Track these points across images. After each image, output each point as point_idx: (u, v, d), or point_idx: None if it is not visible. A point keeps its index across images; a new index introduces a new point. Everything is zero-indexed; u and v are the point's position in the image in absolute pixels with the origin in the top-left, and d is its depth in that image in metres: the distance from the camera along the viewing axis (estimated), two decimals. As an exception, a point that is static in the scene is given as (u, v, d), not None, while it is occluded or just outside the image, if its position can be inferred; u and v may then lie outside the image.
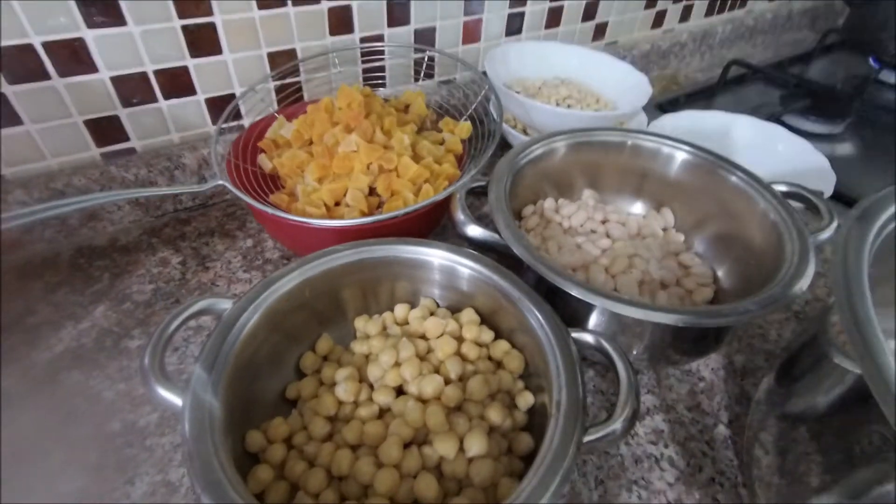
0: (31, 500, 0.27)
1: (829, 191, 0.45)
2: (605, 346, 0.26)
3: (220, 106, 0.45)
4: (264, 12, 0.42)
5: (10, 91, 0.36)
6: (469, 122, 0.40)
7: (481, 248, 0.33)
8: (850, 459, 0.21)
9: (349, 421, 0.28)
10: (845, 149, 0.61)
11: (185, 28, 0.39)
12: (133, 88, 0.40)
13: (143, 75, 0.40)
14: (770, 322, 0.41)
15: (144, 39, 0.39)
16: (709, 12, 0.79)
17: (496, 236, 0.33)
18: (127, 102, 0.41)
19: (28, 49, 0.35)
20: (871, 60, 0.76)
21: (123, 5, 0.36)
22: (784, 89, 0.69)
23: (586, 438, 0.23)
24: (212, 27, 0.41)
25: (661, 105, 0.67)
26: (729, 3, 0.81)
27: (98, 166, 0.42)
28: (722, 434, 0.33)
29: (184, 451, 0.22)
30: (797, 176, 0.49)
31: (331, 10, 0.45)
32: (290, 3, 0.43)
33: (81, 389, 0.33)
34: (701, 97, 0.71)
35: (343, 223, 0.31)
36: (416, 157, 0.36)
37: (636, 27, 0.71)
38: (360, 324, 0.33)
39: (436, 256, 0.31)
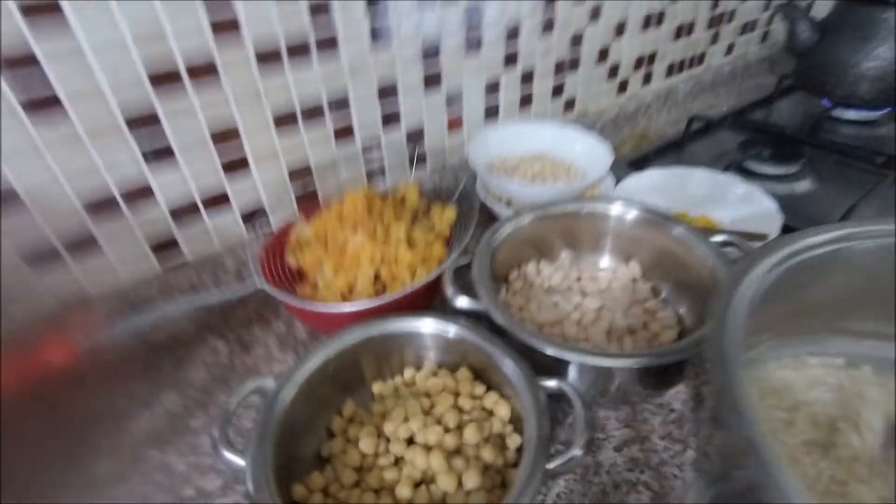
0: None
1: (775, 232, 0.52)
2: (564, 389, 0.33)
3: (251, 217, 0.55)
4: (284, 142, 0.53)
5: (97, 232, 0.46)
6: (454, 208, 0.49)
7: (472, 316, 0.41)
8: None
9: (371, 469, 0.35)
10: (803, 186, 0.67)
11: (224, 164, 0.50)
12: (185, 214, 0.51)
13: (194, 204, 0.50)
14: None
15: (195, 177, 0.49)
16: (668, 74, 0.89)
17: (480, 305, 0.40)
18: (182, 226, 0.51)
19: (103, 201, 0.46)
20: (823, 101, 0.83)
21: (179, 155, 0.47)
22: (742, 136, 0.76)
23: (552, 465, 0.29)
24: (245, 161, 0.51)
25: (632, 162, 0.75)
26: (686, 62, 0.91)
27: (159, 278, 0.52)
28: (691, 457, 0.38)
29: (249, 499, 0.29)
30: (749, 219, 0.56)
31: (336, 130, 0.56)
32: (303, 131, 0.53)
33: (159, 465, 0.41)
34: (669, 151, 0.79)
35: (356, 307, 0.40)
36: (411, 245, 0.45)
37: (602, 96, 0.81)
38: (377, 388, 0.41)
39: (427, 327, 0.39)
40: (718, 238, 0.44)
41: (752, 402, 0.22)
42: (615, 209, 0.48)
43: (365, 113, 0.57)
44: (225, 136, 0.49)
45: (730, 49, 0.98)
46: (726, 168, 0.70)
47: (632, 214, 0.48)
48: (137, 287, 0.51)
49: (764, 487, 0.19)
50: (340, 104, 0.55)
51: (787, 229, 0.52)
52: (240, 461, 0.31)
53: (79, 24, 0.39)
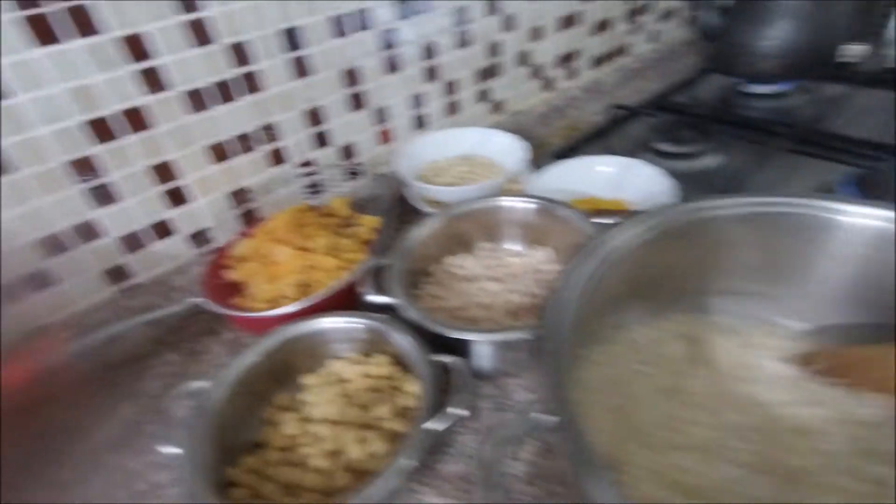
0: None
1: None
2: (445, 362, 0.38)
3: (199, 237, 0.60)
4: (217, 166, 0.58)
5: (52, 262, 0.51)
6: (374, 218, 0.55)
7: (389, 310, 0.46)
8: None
9: (293, 448, 0.40)
10: (712, 162, 0.73)
11: (163, 192, 0.55)
12: (133, 241, 0.56)
13: (137, 233, 0.56)
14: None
15: (139, 207, 0.54)
16: (593, 66, 0.94)
17: (392, 300, 0.45)
18: (130, 251, 0.56)
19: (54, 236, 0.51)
20: (737, 79, 0.89)
21: (118, 189, 0.52)
22: (656, 119, 0.82)
23: (437, 425, 0.35)
24: (182, 188, 0.57)
25: (559, 153, 0.80)
26: (610, 55, 0.96)
27: (113, 301, 0.57)
28: (584, 413, 0.44)
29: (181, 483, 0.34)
30: (652, 198, 0.62)
31: (269, 153, 0.61)
32: (235, 156, 0.59)
33: (116, 466, 0.46)
34: (596, 139, 0.84)
35: (278, 312, 0.45)
36: (335, 253, 0.50)
37: (529, 95, 0.86)
38: (306, 379, 0.46)
39: (343, 322, 0.44)
40: (603, 220, 0.50)
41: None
42: (508, 202, 0.54)
43: (295, 135, 0.62)
44: (161, 169, 0.54)
45: (653, 36, 1.04)
46: (638, 152, 0.76)
47: (526, 205, 0.53)
48: (93, 311, 0.56)
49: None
50: (269, 130, 0.60)
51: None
52: (177, 451, 0.36)
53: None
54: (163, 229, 0.58)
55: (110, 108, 0.49)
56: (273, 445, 0.41)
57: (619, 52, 0.98)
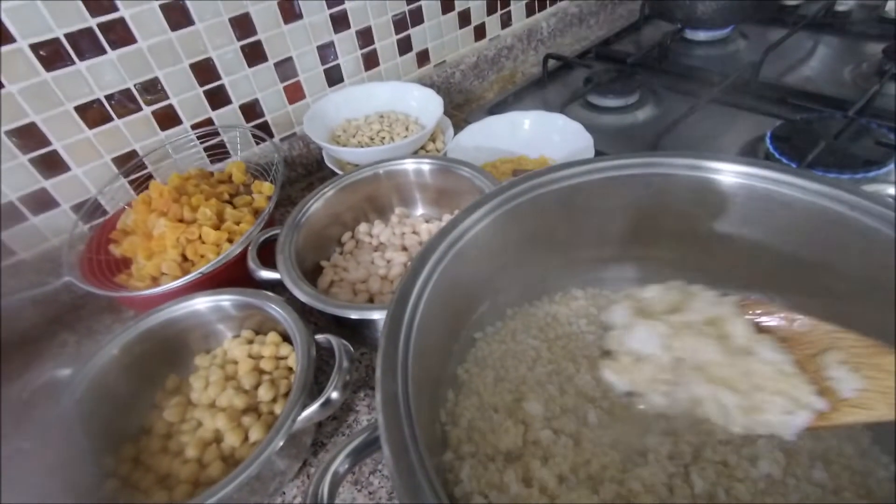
0: None
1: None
2: (330, 342, 0.37)
3: (87, 208, 0.55)
4: (95, 129, 0.52)
5: None
6: (271, 184, 0.51)
7: (279, 287, 0.43)
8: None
9: (174, 436, 0.38)
10: (642, 114, 0.71)
11: (31, 160, 0.50)
12: (10, 213, 0.51)
13: (10, 204, 0.50)
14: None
15: (8, 175, 0.49)
16: (530, 13, 0.88)
17: (278, 275, 0.43)
18: (6, 226, 0.51)
19: None
20: (677, 25, 0.85)
21: (-25, 157, 0.47)
22: (590, 70, 0.78)
23: (308, 410, 0.33)
24: (55, 153, 0.51)
25: (492, 108, 0.76)
26: (548, 1, 0.90)
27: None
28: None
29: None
30: (574, 154, 0.59)
31: (154, 113, 0.55)
32: (115, 117, 0.53)
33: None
34: (531, 91, 0.81)
35: (154, 291, 0.42)
36: (220, 224, 0.47)
37: (459, 44, 0.81)
38: (198, 360, 0.44)
39: (226, 300, 0.42)
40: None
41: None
42: (412, 164, 0.51)
43: (185, 93, 0.57)
44: (25, 133, 0.49)
45: (594, -21, 0.98)
46: (572, 105, 0.73)
47: (426, 166, 0.50)
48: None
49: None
50: (152, 87, 0.54)
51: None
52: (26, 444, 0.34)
53: None
54: (41, 201, 0.52)
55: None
56: (156, 432, 0.39)
57: (558, -5, 0.92)
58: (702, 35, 0.84)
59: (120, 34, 0.50)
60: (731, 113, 0.67)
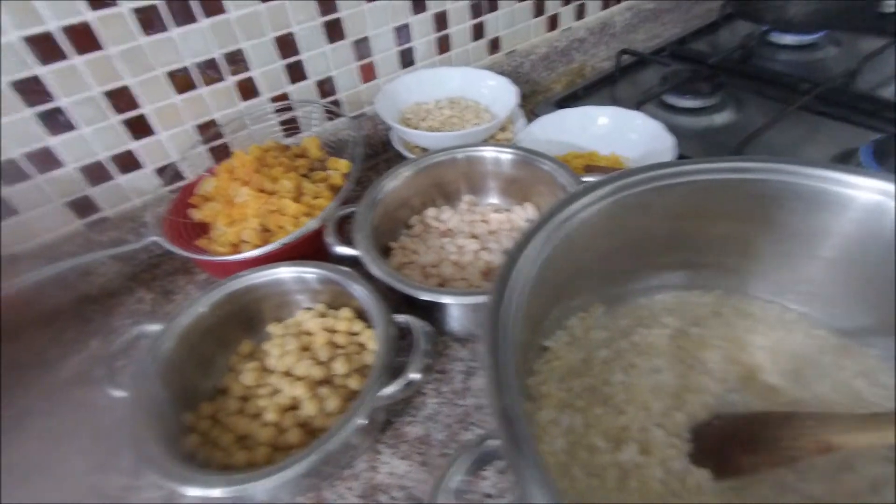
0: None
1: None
2: (407, 322, 0.37)
3: (165, 171, 0.57)
4: (182, 96, 0.54)
5: (6, 192, 0.49)
6: (347, 161, 0.51)
7: (356, 263, 0.44)
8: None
9: (251, 399, 0.39)
10: (721, 118, 0.68)
11: (123, 122, 0.52)
12: (96, 172, 0.53)
13: (98, 163, 0.52)
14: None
15: (95, 136, 0.51)
16: (605, 6, 0.86)
17: (357, 252, 0.43)
18: (94, 183, 0.54)
19: (12, 161, 0.48)
20: (760, 26, 0.81)
21: (72, 115, 0.49)
22: (668, 69, 0.75)
23: (390, 389, 0.34)
24: (143, 118, 0.53)
25: (560, 101, 0.75)
26: (625, -8, 0.88)
27: (81, 234, 0.55)
28: (548, 378, 0.43)
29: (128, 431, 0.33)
30: (651, 155, 0.58)
31: (237, 84, 0.57)
32: (200, 85, 0.54)
33: (84, 401, 0.46)
34: (601, 87, 0.78)
35: (237, 258, 0.43)
36: (301, 197, 0.47)
37: (531, 34, 0.79)
38: (272, 328, 0.45)
39: (307, 273, 0.42)
40: (594, 177, 0.46)
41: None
42: (490, 152, 0.50)
43: (266, 66, 0.57)
44: (118, 96, 0.50)
45: (675, -27, 0.94)
46: (645, 104, 0.70)
47: (508, 157, 0.50)
48: (61, 243, 0.54)
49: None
50: (236, 58, 0.55)
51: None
52: (122, 394, 0.35)
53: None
54: (127, 161, 0.54)
55: (50, 23, 0.44)
56: (232, 394, 0.40)
57: (636, -12, 0.89)
58: (789, 39, 0.80)
59: (212, 3, 0.51)
60: (818, 122, 0.64)
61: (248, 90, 0.58)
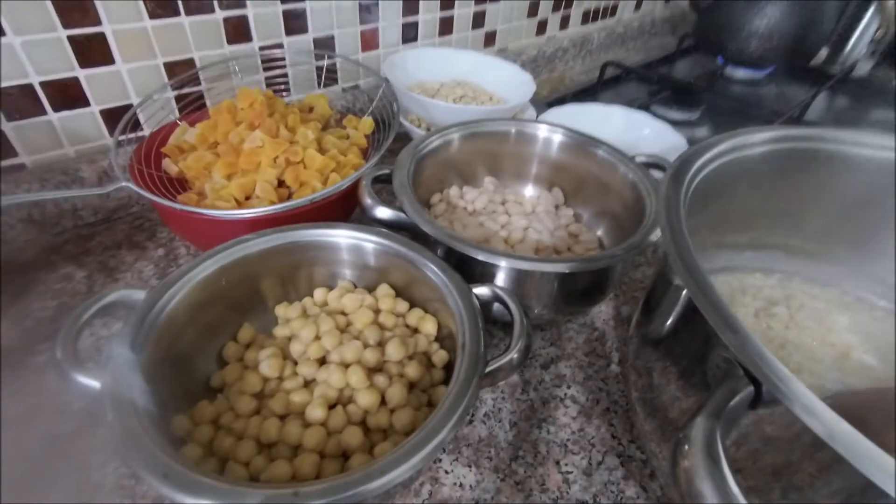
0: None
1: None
2: (500, 295, 0.30)
3: (117, 117, 0.44)
4: (156, 21, 0.43)
5: None
6: (371, 119, 0.43)
7: (392, 229, 0.36)
8: (696, 364, 0.26)
9: (274, 394, 0.29)
10: (701, 131, 0.72)
11: (71, 38, 0.39)
12: (17, 101, 0.39)
13: (28, 87, 0.39)
14: (647, 275, 0.47)
15: (26, 50, 0.38)
16: (584, 20, 0.89)
17: (403, 216, 0.36)
18: (11, 116, 0.40)
19: None
20: (718, 59, 0.89)
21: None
22: (651, 85, 0.79)
23: (488, 368, 0.26)
24: (101, 37, 0.40)
25: (550, 102, 0.74)
26: (601, 12, 0.91)
27: (-18, 185, 0.40)
28: (614, 371, 0.38)
29: (110, 431, 0.22)
30: (660, 153, 0.58)
31: (226, 20, 0.46)
32: (182, 12, 0.43)
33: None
34: (584, 95, 0.79)
35: (255, 212, 0.33)
36: (322, 151, 0.39)
37: (522, 34, 0.78)
38: (281, 310, 0.35)
39: (342, 237, 0.34)
40: (640, 159, 0.44)
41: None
42: (544, 131, 0.46)
43: (264, 4, 0.48)
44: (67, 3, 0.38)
45: (638, 5, 1.01)
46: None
47: (559, 137, 0.46)
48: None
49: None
50: (232, -14, 0.45)
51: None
52: (94, 383, 0.24)
53: None
54: (68, 93, 0.41)
55: None
56: (241, 390, 0.30)
57: (609, 11, 0.93)
58: (741, 73, 0.88)
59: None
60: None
61: (239, 31, 0.48)
